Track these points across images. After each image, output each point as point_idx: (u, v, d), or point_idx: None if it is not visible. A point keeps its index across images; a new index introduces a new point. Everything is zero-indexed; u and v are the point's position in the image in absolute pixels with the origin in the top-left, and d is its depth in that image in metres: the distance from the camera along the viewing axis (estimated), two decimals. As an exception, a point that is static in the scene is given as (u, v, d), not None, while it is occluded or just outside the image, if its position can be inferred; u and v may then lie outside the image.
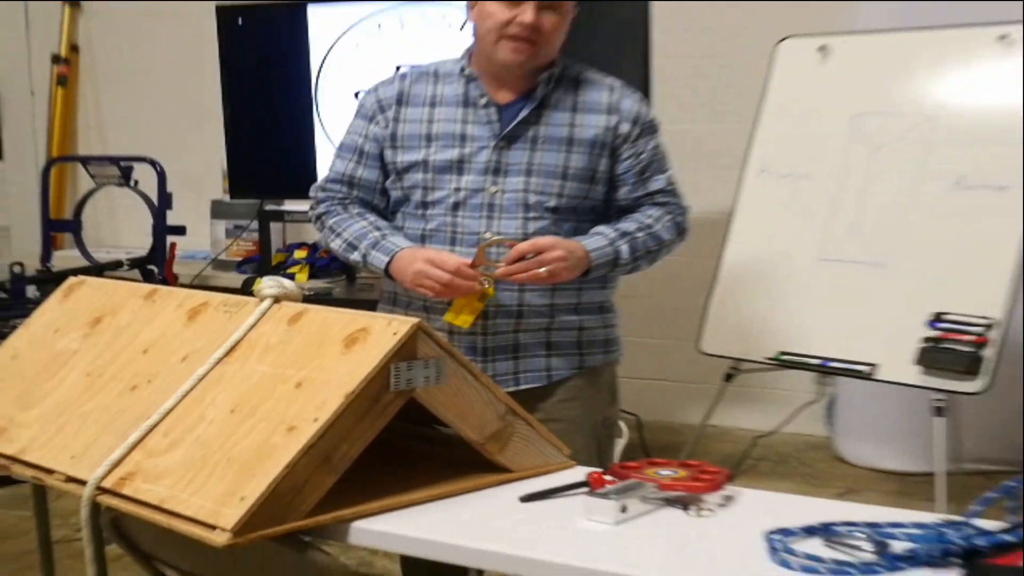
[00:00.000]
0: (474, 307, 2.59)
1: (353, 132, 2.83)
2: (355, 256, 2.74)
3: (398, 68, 4.78)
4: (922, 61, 3.48)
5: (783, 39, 3.81)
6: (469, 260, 2.57)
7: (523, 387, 2.72)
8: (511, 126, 2.69)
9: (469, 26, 2.75)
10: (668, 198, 2.82)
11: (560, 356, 2.78)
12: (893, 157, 3.43)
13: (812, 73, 3.71)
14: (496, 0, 2.59)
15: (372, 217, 2.80)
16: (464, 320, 2.60)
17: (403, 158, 2.75)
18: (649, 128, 2.80)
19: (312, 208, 2.87)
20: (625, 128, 2.74)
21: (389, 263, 2.64)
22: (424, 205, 2.74)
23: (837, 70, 3.68)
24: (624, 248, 2.69)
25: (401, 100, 2.78)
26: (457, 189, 2.70)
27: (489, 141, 2.69)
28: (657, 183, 2.80)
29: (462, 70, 2.75)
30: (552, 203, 2.70)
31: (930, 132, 3.38)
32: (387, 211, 2.85)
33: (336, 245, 2.79)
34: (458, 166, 2.70)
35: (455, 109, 2.73)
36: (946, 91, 3.42)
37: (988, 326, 3.05)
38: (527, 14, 2.55)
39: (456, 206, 2.70)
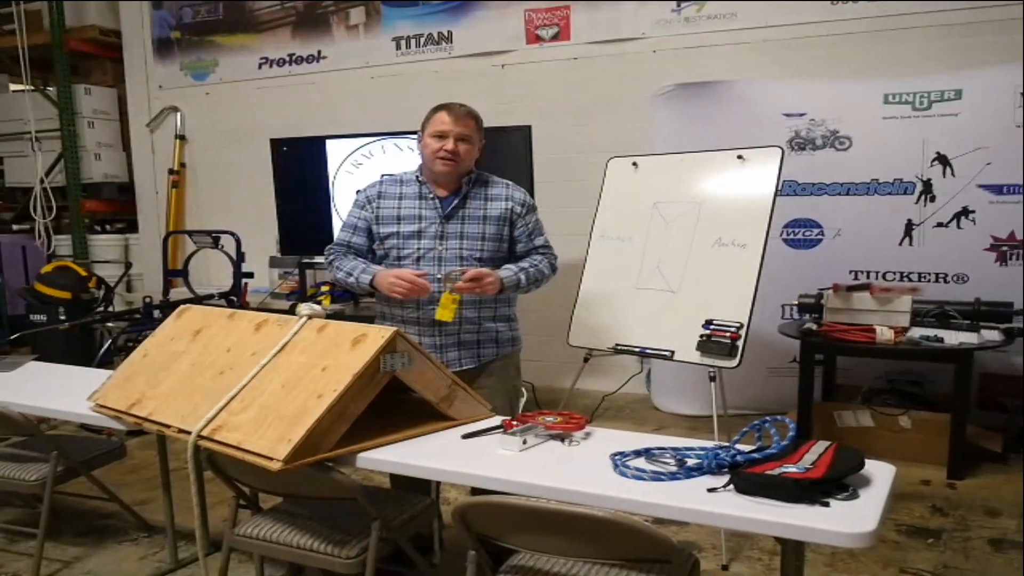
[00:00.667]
0: (451, 308, 2.56)
1: (351, 215, 2.82)
2: (351, 280, 2.72)
3: (381, 176, 4.78)
4: (693, 171, 3.50)
5: (611, 158, 3.83)
6: (420, 272, 2.59)
7: (464, 368, 2.70)
8: (448, 210, 2.69)
9: (418, 152, 2.76)
10: (546, 249, 2.85)
11: (485, 348, 2.76)
12: (678, 227, 3.44)
13: (629, 178, 3.73)
14: (431, 137, 2.66)
15: (360, 259, 2.78)
16: (446, 315, 2.57)
17: (383, 230, 2.74)
18: (531, 208, 2.81)
19: (325, 257, 2.87)
20: (517, 209, 2.76)
21: (372, 280, 2.65)
22: (399, 259, 2.70)
23: (644, 176, 3.69)
24: (523, 276, 2.72)
25: (380, 196, 2.77)
26: (418, 248, 2.68)
27: (436, 220, 2.69)
28: (539, 241, 2.82)
29: (417, 178, 2.76)
30: (476, 256, 2.69)
31: (699, 212, 3.40)
32: (375, 261, 2.81)
33: (339, 276, 2.77)
34: (418, 235, 2.69)
35: (414, 201, 2.72)
36: (708, 188, 3.43)
37: (739, 326, 3.07)
38: (449, 144, 2.63)
39: (418, 259, 2.68)
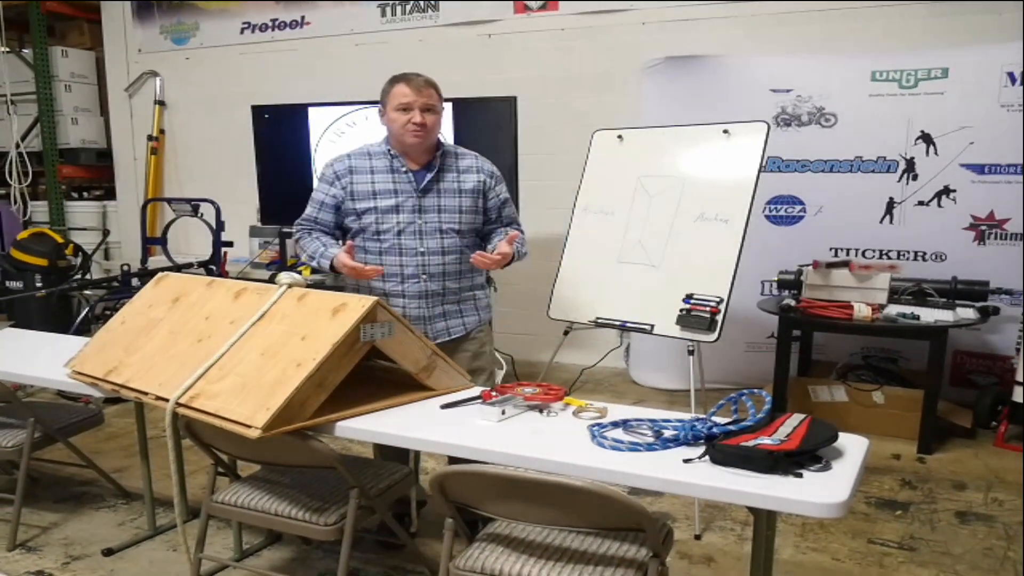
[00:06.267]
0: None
1: (319, 191, 2.77)
2: (313, 263, 2.74)
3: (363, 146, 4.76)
4: (678, 145, 3.49)
5: (596, 131, 3.81)
6: (362, 267, 2.58)
7: (453, 337, 2.76)
8: (424, 183, 2.68)
9: (383, 126, 2.73)
10: (517, 220, 2.90)
11: (469, 316, 2.80)
12: (662, 201, 3.44)
13: (614, 151, 3.71)
14: (396, 111, 2.63)
15: (323, 239, 2.76)
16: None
17: (360, 206, 2.69)
18: (499, 179, 2.84)
19: (294, 234, 2.85)
20: (488, 181, 2.78)
21: (332, 264, 2.64)
22: (377, 233, 2.68)
23: (628, 149, 3.68)
24: (516, 251, 2.71)
25: (352, 171, 2.72)
26: (398, 222, 2.67)
27: (412, 193, 2.68)
28: (508, 212, 2.86)
29: (388, 151, 2.70)
30: (455, 228, 2.71)
31: (683, 187, 3.40)
32: (340, 237, 2.80)
33: (304, 256, 2.80)
34: (395, 208, 2.67)
35: (387, 175, 2.69)
36: (692, 163, 3.42)
37: (719, 301, 3.09)
38: (416, 117, 2.61)
39: (399, 232, 2.67)
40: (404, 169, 2.69)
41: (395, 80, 2.67)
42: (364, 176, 2.71)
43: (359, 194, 2.70)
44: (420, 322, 2.70)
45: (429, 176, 2.69)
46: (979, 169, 4.13)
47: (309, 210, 2.79)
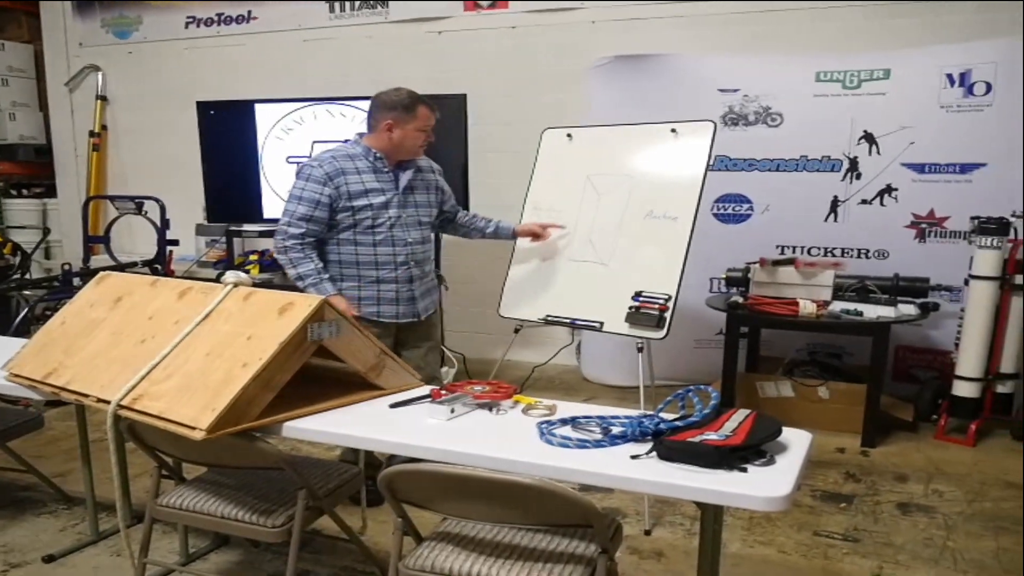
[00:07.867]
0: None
1: (310, 191, 2.84)
2: (301, 284, 2.83)
3: (314, 142, 4.72)
4: (627, 143, 3.51)
5: (546, 129, 3.82)
6: (352, 312, 2.74)
7: (429, 312, 3.13)
8: (405, 183, 2.97)
9: (384, 132, 2.89)
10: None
11: (434, 294, 3.18)
12: (610, 199, 3.46)
13: (563, 150, 3.72)
14: (419, 130, 2.92)
15: (317, 262, 2.86)
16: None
17: (356, 203, 2.88)
18: (441, 174, 3.19)
19: (281, 238, 2.86)
20: (439, 178, 3.16)
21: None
22: (373, 226, 2.91)
23: (578, 148, 3.68)
24: None
25: (343, 172, 2.86)
26: (389, 217, 2.93)
27: (394, 191, 2.95)
28: (454, 200, 3.29)
29: (375, 155, 2.91)
30: (428, 220, 3.08)
31: (632, 185, 3.42)
32: (326, 234, 2.92)
33: (290, 272, 2.87)
34: (386, 205, 2.92)
35: (371, 175, 2.92)
36: (640, 161, 3.44)
37: (667, 299, 3.12)
38: (430, 136, 2.97)
39: (391, 226, 2.94)
40: (387, 169, 2.95)
41: (419, 102, 2.92)
42: (354, 176, 2.89)
43: (355, 193, 2.88)
44: (411, 302, 3.03)
45: (409, 176, 2.98)
46: (920, 168, 4.24)
47: (303, 209, 2.86)
